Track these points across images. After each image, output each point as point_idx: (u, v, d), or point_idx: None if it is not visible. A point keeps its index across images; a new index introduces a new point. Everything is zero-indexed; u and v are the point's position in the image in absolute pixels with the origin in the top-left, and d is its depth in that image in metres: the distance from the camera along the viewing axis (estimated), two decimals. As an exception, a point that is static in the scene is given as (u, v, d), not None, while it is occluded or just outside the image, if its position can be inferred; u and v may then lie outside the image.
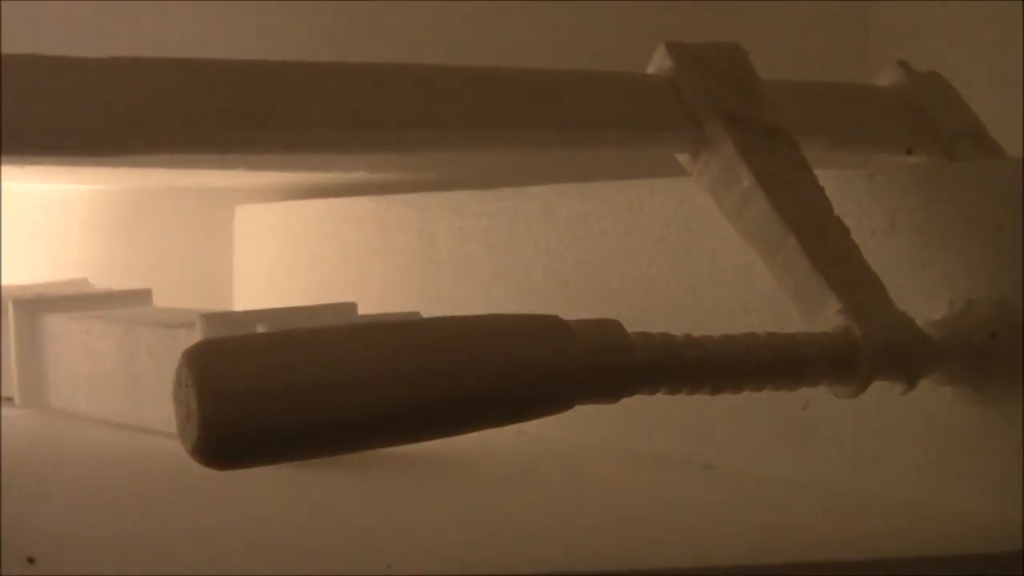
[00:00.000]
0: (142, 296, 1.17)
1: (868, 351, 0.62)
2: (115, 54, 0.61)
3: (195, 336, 0.92)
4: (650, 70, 0.75)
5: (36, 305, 1.10)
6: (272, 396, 0.48)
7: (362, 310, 1.09)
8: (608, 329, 0.56)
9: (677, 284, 0.87)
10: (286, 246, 1.34)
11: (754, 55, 0.77)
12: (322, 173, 1.25)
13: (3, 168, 1.02)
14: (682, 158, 0.73)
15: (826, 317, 0.65)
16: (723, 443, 0.84)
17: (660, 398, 0.60)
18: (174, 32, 1.26)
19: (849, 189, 0.76)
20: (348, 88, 0.65)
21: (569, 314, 0.94)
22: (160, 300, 1.22)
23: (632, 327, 0.85)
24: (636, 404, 0.61)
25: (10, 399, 1.12)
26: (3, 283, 1.26)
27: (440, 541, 0.64)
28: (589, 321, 0.56)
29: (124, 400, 1.02)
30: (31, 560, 0.57)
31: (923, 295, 0.71)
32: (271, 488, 0.76)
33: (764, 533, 0.67)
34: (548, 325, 0.55)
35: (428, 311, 1.08)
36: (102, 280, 1.32)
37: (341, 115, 0.64)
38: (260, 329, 0.86)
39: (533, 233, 0.99)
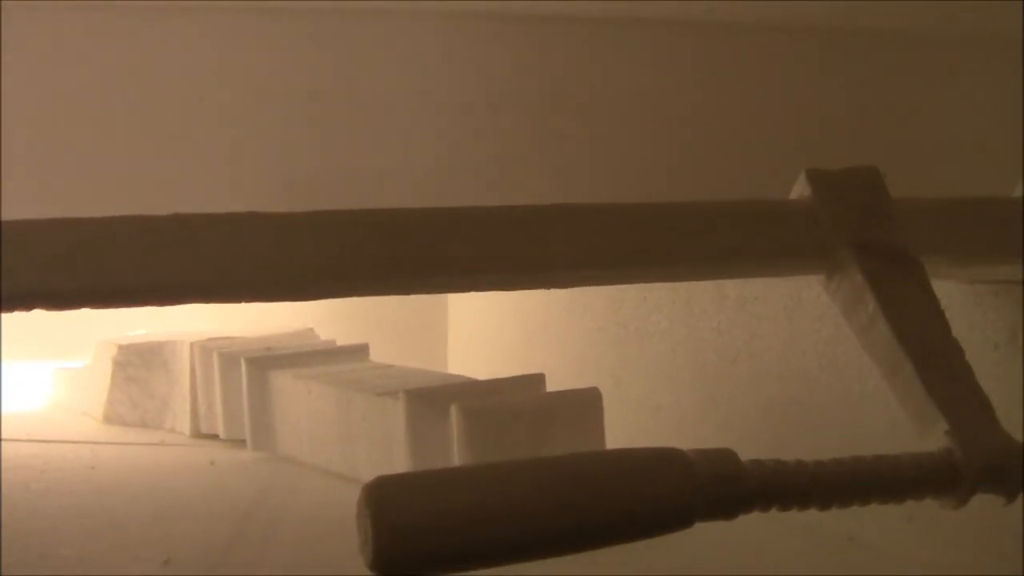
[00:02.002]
0: (360, 351, 1.30)
1: (968, 471, 0.69)
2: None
3: (400, 407, 1.04)
4: (792, 195, 0.82)
5: (265, 362, 1.23)
6: (434, 529, 0.58)
7: (557, 363, 1.19)
8: (724, 460, 0.64)
9: (829, 373, 0.96)
10: (495, 296, 1.46)
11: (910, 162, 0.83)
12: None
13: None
14: (818, 278, 0.81)
15: (935, 436, 0.72)
16: (864, 519, 0.92)
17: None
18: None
19: (976, 302, 0.83)
20: (521, 232, 0.74)
21: (737, 390, 1.04)
22: (378, 349, 1.34)
23: (788, 410, 0.94)
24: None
25: (243, 441, 1.26)
26: (242, 331, 1.40)
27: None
28: (707, 452, 0.65)
29: (339, 453, 1.14)
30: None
31: (1037, 407, 0.78)
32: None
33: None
34: (670, 460, 0.64)
35: (617, 370, 1.19)
36: (327, 327, 1.45)
37: (513, 260, 0.72)
38: (453, 409, 0.98)
39: (707, 311, 1.08)
